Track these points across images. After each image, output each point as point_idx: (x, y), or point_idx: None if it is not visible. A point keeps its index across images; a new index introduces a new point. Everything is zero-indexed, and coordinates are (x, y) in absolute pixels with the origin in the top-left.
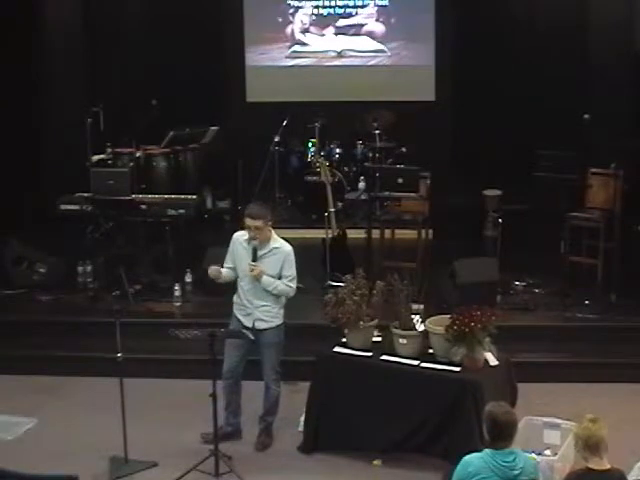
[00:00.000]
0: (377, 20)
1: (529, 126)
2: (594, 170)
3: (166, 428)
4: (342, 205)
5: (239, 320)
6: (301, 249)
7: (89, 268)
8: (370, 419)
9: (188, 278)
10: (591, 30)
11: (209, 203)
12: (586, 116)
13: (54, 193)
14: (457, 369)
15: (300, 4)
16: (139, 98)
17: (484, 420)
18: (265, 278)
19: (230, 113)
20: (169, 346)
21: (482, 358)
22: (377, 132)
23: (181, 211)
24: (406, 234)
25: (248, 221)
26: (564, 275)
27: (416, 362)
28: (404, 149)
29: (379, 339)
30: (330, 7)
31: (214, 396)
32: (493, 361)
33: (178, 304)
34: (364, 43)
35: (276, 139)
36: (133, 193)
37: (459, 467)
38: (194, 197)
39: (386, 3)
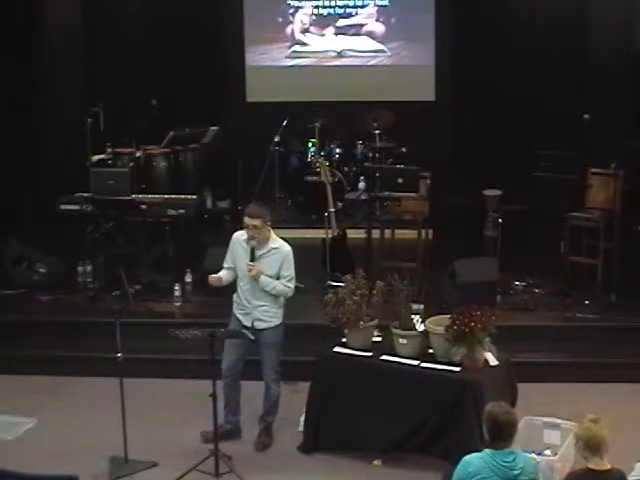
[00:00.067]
0: (377, 20)
1: (529, 126)
2: (594, 170)
3: (166, 428)
4: (342, 205)
5: (238, 319)
6: (301, 249)
7: (89, 268)
8: (370, 419)
9: (188, 278)
10: (591, 30)
11: (209, 203)
12: (586, 116)
13: (54, 193)
14: (457, 369)
15: (300, 4)
16: (139, 98)
17: (484, 420)
18: (263, 278)
19: (230, 113)
20: (169, 346)
21: (482, 358)
22: (377, 132)
23: (181, 211)
24: (406, 234)
25: (246, 220)
26: (564, 275)
27: (416, 362)
28: (404, 149)
29: (379, 339)
30: (330, 7)
31: (214, 396)
32: (493, 361)
33: (178, 304)
34: (364, 43)
35: (276, 139)
36: (133, 193)
37: (459, 467)
38: (194, 197)
39: (386, 3)
